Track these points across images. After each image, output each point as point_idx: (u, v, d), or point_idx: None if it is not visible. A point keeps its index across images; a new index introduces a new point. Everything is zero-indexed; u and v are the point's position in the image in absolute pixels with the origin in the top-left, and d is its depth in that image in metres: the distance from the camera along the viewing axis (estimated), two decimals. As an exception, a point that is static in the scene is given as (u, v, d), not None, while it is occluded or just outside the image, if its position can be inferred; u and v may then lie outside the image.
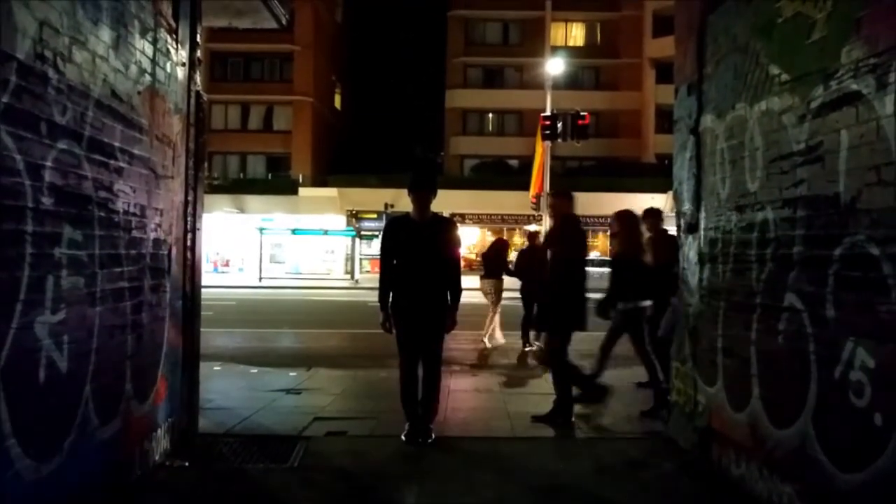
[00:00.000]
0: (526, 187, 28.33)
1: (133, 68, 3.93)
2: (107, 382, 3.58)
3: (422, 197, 5.16)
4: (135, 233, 3.97)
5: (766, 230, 3.81)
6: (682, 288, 5.21)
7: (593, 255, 24.89)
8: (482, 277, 10.93)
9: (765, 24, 3.84)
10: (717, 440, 4.39)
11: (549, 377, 6.33)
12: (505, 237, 17.89)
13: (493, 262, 10.94)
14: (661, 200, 30.34)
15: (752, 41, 4.01)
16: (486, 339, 10.49)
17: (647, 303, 6.14)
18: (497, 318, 10.68)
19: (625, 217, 6.32)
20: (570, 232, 5.93)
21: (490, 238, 37.50)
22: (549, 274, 5.88)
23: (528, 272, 9.64)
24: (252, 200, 32.97)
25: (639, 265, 6.14)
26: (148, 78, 4.16)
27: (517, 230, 36.93)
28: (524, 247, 11.72)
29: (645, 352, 6.18)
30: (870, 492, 2.83)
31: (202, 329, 5.26)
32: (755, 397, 3.85)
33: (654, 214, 6.95)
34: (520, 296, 10.00)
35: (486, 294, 10.79)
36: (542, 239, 10.12)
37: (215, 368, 7.67)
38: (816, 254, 3.27)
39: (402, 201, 5.74)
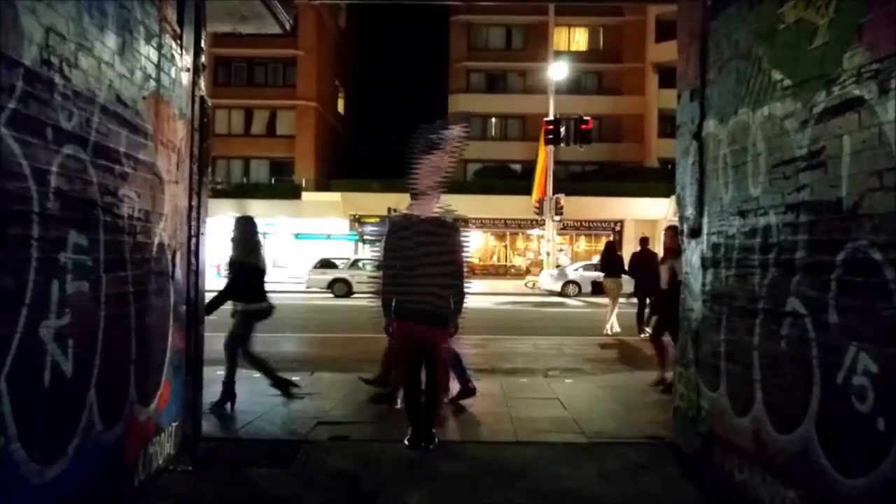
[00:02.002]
0: (529, 192, 28.35)
1: (138, 74, 3.95)
2: (111, 386, 3.59)
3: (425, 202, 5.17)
4: (139, 237, 3.99)
5: (768, 235, 3.81)
6: (685, 292, 5.22)
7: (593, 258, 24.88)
8: (605, 277, 12.75)
9: (767, 30, 3.85)
10: (720, 445, 4.38)
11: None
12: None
13: (610, 263, 12.53)
14: (664, 205, 30.44)
15: (754, 47, 4.02)
16: (607, 328, 12.17)
17: (264, 305, 6.54)
18: (616, 311, 12.31)
19: (239, 223, 6.56)
20: None
21: (492, 241, 37.52)
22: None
23: (640, 271, 11.04)
24: (255, 205, 32.94)
25: (253, 269, 6.47)
26: (153, 83, 4.19)
27: (520, 235, 36.97)
28: (637, 250, 13.33)
29: (234, 351, 6.44)
30: (873, 497, 2.82)
31: (206, 333, 5.28)
32: (758, 402, 3.84)
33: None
34: (634, 292, 11.78)
35: (608, 291, 12.47)
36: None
37: (218, 373, 7.66)
38: (819, 259, 3.27)
39: (405, 205, 5.76)
